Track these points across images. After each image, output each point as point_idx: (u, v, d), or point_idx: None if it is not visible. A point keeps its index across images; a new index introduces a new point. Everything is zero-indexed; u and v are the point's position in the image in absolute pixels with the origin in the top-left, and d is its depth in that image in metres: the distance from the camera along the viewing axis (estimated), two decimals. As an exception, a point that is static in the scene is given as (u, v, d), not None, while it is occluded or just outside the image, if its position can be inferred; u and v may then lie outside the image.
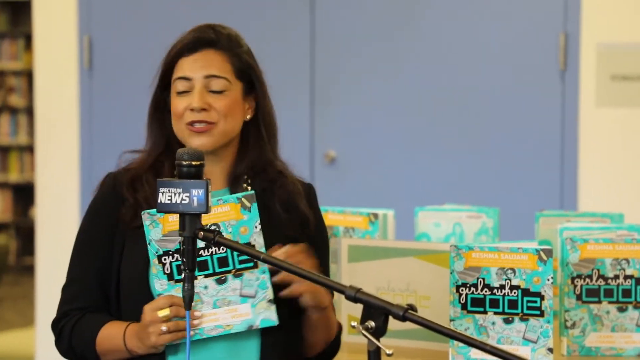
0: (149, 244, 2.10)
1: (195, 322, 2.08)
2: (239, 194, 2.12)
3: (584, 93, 4.34)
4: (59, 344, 2.23)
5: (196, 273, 2.08)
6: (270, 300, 2.10)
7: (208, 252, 2.10)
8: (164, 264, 2.10)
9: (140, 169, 2.23)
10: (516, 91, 4.42)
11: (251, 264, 2.10)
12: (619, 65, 4.32)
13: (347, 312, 2.60)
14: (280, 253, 2.10)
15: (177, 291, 2.10)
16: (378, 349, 1.73)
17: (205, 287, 2.10)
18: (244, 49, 2.23)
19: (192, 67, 2.18)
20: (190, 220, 1.86)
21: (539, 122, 4.40)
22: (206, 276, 2.10)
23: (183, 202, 1.85)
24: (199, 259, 2.09)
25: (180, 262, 2.09)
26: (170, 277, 2.10)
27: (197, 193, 1.84)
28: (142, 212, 2.11)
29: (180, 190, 1.85)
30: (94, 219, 2.24)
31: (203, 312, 2.09)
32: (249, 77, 2.23)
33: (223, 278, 2.10)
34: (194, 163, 1.88)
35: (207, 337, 2.10)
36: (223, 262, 2.10)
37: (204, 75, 2.17)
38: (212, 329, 2.10)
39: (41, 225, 4.82)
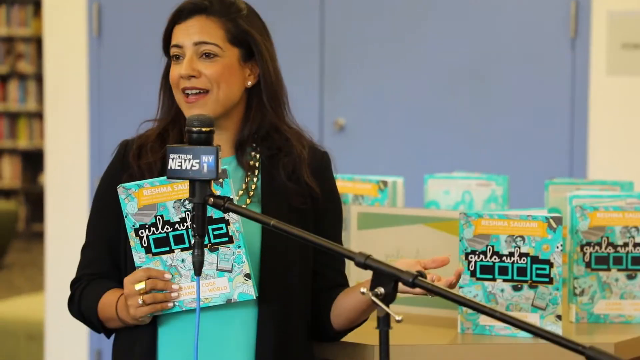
0: (126, 217, 2.11)
1: (174, 294, 2.09)
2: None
3: (595, 61, 4.33)
4: (70, 306, 2.26)
5: (172, 246, 2.10)
6: (247, 275, 2.11)
7: (183, 226, 2.10)
8: (141, 237, 2.11)
9: (148, 137, 2.23)
10: (527, 59, 4.40)
11: (226, 239, 2.11)
12: (630, 34, 4.29)
13: (357, 279, 2.61)
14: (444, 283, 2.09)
15: (155, 264, 2.11)
16: (387, 315, 1.74)
17: (183, 261, 2.11)
18: (242, 14, 2.20)
19: (183, 34, 2.17)
20: (200, 187, 1.86)
21: (549, 90, 4.38)
22: (183, 250, 2.11)
23: (193, 168, 1.85)
24: (174, 233, 2.10)
25: (157, 236, 2.10)
26: (147, 250, 2.11)
27: (207, 159, 1.84)
28: (118, 186, 2.12)
29: (191, 156, 1.85)
30: (106, 186, 2.25)
31: (181, 285, 2.10)
32: (247, 42, 2.20)
33: None
34: (204, 129, 1.87)
35: (187, 309, 2.11)
36: None
37: (193, 42, 2.16)
38: (192, 302, 2.10)
39: (50, 192, 4.83)
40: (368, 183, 3.01)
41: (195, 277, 1.93)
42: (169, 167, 1.86)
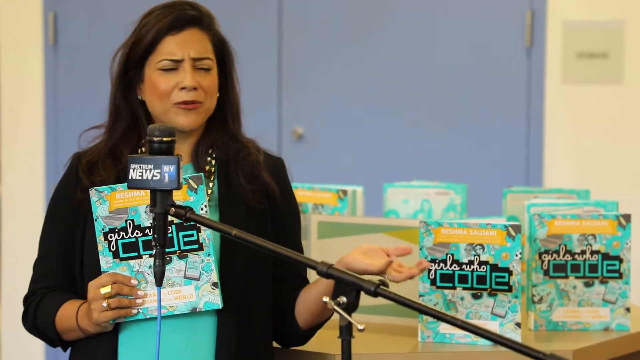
0: (96, 220, 2.10)
1: (139, 301, 2.08)
2: (186, 175, 2.12)
3: (550, 70, 4.37)
4: (25, 321, 2.23)
5: (141, 252, 2.09)
6: (214, 284, 2.10)
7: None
8: (109, 242, 2.10)
9: (99, 152, 2.21)
10: (483, 68, 4.43)
11: (196, 246, 2.10)
12: (584, 43, 4.34)
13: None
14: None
15: (121, 269, 2.09)
16: (350, 324, 1.74)
17: (150, 267, 2.10)
18: (218, 27, 2.24)
19: (179, 46, 2.16)
20: (161, 197, 1.85)
21: (506, 99, 4.42)
22: (151, 256, 2.10)
23: (154, 178, 1.84)
24: (143, 239, 2.10)
25: (126, 241, 2.09)
26: (115, 254, 2.10)
27: (169, 169, 1.83)
28: (90, 189, 2.11)
29: (152, 166, 1.84)
30: (58, 200, 2.23)
31: (146, 292, 2.09)
32: (222, 54, 2.24)
33: (168, 259, 2.09)
34: (165, 139, 1.87)
35: (150, 317, 2.09)
36: (168, 242, 2.09)
37: (192, 56, 2.17)
38: (155, 309, 2.09)
39: (6, 203, 4.79)
40: (328, 192, 3.02)
41: (157, 285, 1.91)
42: (130, 177, 1.85)
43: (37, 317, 2.19)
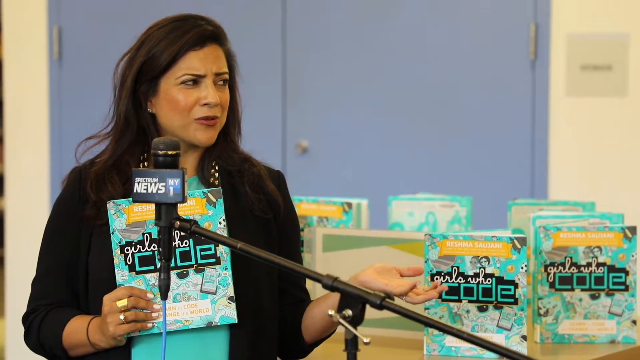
0: (112, 233, 2.09)
1: (154, 314, 2.07)
2: (205, 189, 2.12)
3: (554, 82, 4.37)
4: (27, 339, 2.21)
5: (157, 266, 2.08)
6: (230, 298, 2.09)
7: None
8: (126, 255, 2.09)
9: (104, 165, 2.20)
10: (487, 81, 4.43)
11: (213, 260, 2.10)
12: (588, 55, 4.34)
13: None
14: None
15: (137, 283, 2.09)
16: (355, 337, 1.73)
17: None
18: (229, 42, 2.25)
19: (202, 62, 2.17)
20: (166, 210, 1.85)
21: (510, 112, 4.42)
22: None
23: (159, 191, 1.83)
24: None
25: (143, 254, 2.09)
26: (131, 268, 2.09)
27: (174, 182, 1.83)
28: (108, 202, 2.10)
29: (157, 179, 1.83)
30: (60, 216, 2.22)
31: (162, 306, 2.08)
32: (231, 68, 2.25)
33: (184, 272, 2.09)
34: (170, 152, 1.86)
35: (166, 331, 2.08)
36: (185, 256, 2.09)
37: (215, 72, 2.18)
38: (171, 323, 2.08)
39: (11, 216, 4.79)
40: (332, 205, 3.02)
41: (162, 299, 1.91)
42: (135, 191, 1.85)
43: (42, 333, 2.17)
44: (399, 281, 2.13)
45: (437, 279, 2.38)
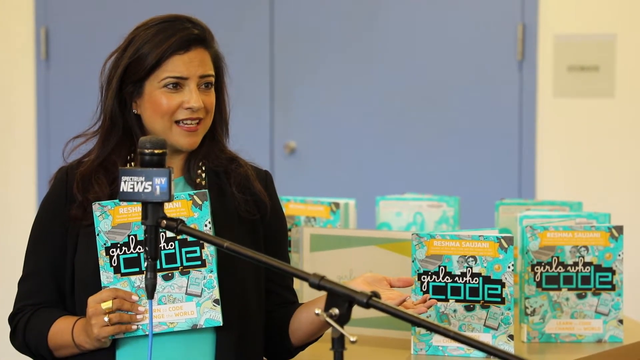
0: (98, 235, 2.09)
1: (139, 316, 2.07)
2: (191, 192, 2.11)
3: (542, 83, 4.38)
4: (13, 339, 2.20)
5: (143, 267, 2.07)
6: (215, 300, 2.09)
7: None
8: (111, 257, 2.09)
9: (90, 166, 2.20)
10: (475, 81, 4.44)
11: (199, 262, 2.09)
12: (575, 56, 4.35)
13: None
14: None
15: (123, 285, 2.08)
16: (342, 336, 1.73)
17: None
18: (216, 43, 2.24)
19: (186, 65, 2.15)
20: (152, 209, 1.84)
21: (498, 112, 4.43)
22: None
23: (145, 190, 1.82)
24: None
25: (128, 256, 2.09)
26: (117, 270, 2.09)
27: (160, 181, 1.82)
28: (93, 203, 2.10)
29: (143, 178, 1.82)
30: (46, 216, 2.21)
31: (147, 308, 2.07)
32: (218, 69, 2.24)
33: (170, 274, 2.09)
34: (156, 151, 1.85)
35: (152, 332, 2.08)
36: (171, 258, 2.09)
37: (199, 75, 2.17)
38: (156, 325, 2.08)
39: (-2, 217, 4.78)
40: (320, 205, 3.02)
41: (148, 299, 1.90)
42: (121, 190, 1.84)
43: (28, 334, 2.16)
44: (389, 293, 2.14)
45: (423, 278, 2.39)
